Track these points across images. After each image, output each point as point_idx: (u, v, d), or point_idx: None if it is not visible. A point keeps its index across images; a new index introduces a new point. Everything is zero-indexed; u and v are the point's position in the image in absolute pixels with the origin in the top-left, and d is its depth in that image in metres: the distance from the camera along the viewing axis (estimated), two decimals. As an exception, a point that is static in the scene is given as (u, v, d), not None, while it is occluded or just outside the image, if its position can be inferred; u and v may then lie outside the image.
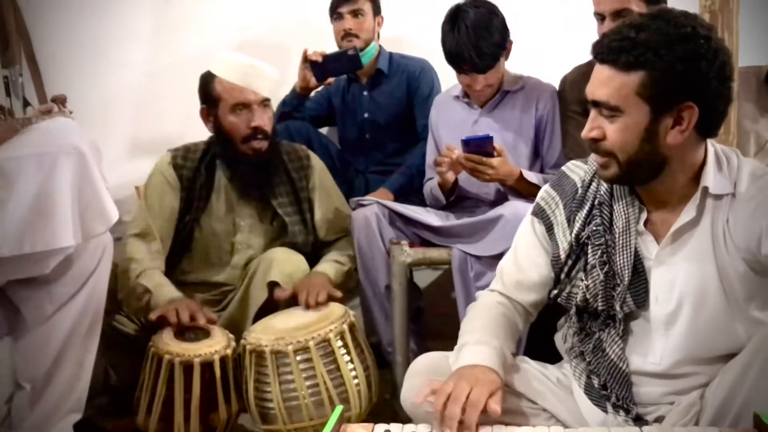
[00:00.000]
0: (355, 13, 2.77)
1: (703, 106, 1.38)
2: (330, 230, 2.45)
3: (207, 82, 2.33)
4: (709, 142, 1.48)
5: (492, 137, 2.23)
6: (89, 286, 1.81)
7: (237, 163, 2.33)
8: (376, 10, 2.84)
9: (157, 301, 2.16)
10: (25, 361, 1.80)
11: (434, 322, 2.71)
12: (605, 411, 1.51)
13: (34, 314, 1.77)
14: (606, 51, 1.39)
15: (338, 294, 2.18)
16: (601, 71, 1.41)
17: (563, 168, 1.67)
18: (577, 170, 1.63)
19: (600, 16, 2.23)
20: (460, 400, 1.38)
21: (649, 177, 1.45)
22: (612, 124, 1.41)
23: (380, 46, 2.87)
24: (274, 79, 2.34)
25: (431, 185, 2.50)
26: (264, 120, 2.30)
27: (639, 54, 1.36)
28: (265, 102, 2.32)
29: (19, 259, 1.61)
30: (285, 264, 2.21)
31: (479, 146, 2.23)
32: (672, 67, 1.35)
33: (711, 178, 1.44)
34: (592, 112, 1.45)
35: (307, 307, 2.11)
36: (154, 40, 3.06)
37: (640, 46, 1.36)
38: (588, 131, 1.45)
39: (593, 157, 1.52)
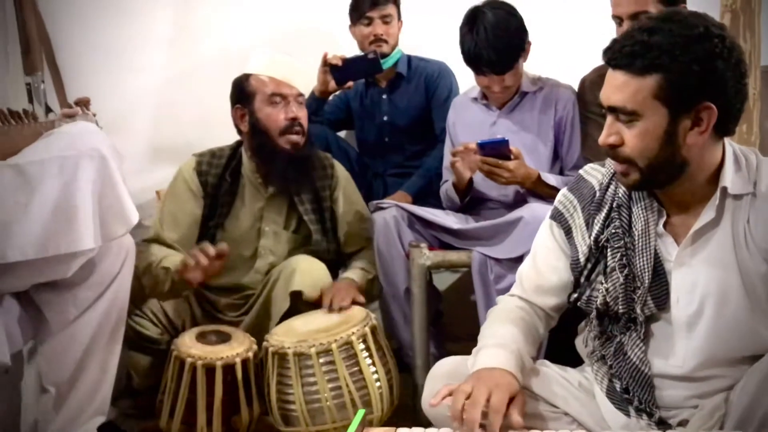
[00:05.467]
0: (385, 18, 2.78)
1: (720, 106, 1.37)
2: (352, 239, 2.45)
3: (241, 81, 2.36)
4: (727, 141, 1.47)
5: (507, 140, 2.23)
6: (112, 290, 1.84)
7: (274, 158, 2.33)
8: (399, 15, 2.85)
9: (174, 273, 2.16)
10: (50, 365, 1.83)
11: (453, 324, 2.71)
12: (628, 415, 1.50)
13: (58, 318, 1.79)
14: (619, 56, 1.38)
15: (362, 299, 2.19)
16: (614, 77, 1.40)
17: (581, 171, 1.66)
18: (594, 173, 1.62)
19: (618, 19, 2.22)
20: (479, 404, 1.38)
21: (669, 180, 1.44)
22: (630, 129, 1.40)
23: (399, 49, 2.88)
24: (307, 74, 2.39)
25: (447, 187, 2.49)
26: (301, 113, 2.34)
27: (654, 57, 1.35)
28: (299, 97, 2.35)
29: (42, 262, 1.63)
30: (307, 273, 2.20)
31: (495, 149, 2.22)
32: (689, 69, 1.34)
33: (729, 178, 1.43)
34: (609, 118, 1.43)
35: (330, 310, 2.13)
36: (173, 46, 3.07)
37: (655, 49, 1.35)
38: (605, 137, 1.43)
39: (612, 164, 1.51)
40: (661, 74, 1.35)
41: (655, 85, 1.36)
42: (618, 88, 1.39)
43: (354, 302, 2.17)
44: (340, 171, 2.49)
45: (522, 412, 1.41)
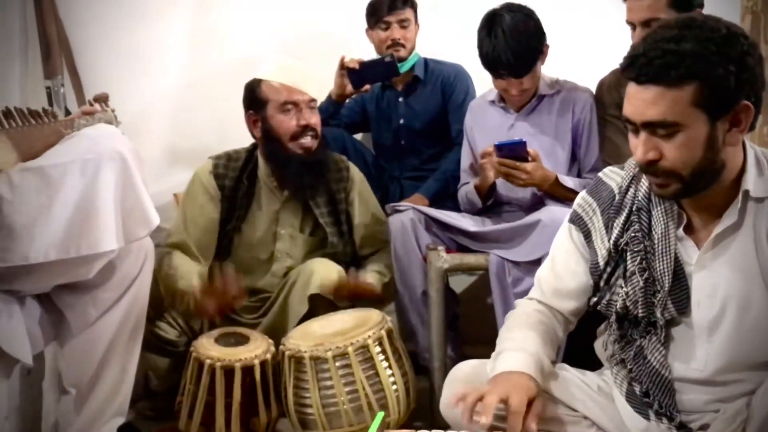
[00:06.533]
0: (402, 23, 2.78)
1: (754, 102, 1.36)
2: (367, 241, 2.45)
3: (253, 87, 2.37)
4: (748, 144, 1.46)
5: (525, 142, 2.22)
6: (132, 292, 1.85)
7: (287, 163, 2.34)
8: (416, 19, 2.85)
9: (196, 300, 2.18)
10: (70, 366, 1.84)
11: (470, 327, 2.70)
12: (648, 419, 1.49)
13: (78, 320, 1.80)
14: (649, 70, 1.34)
15: (378, 291, 2.24)
16: (643, 91, 1.36)
17: (600, 174, 1.65)
18: (614, 176, 1.61)
19: (632, 25, 2.23)
20: (491, 408, 1.38)
21: (707, 185, 1.41)
22: (669, 142, 1.37)
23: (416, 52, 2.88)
24: (319, 79, 2.38)
25: (467, 189, 2.49)
26: (313, 119, 2.34)
27: (689, 65, 1.32)
28: (312, 103, 2.35)
29: (63, 264, 1.64)
30: (326, 276, 2.20)
31: (512, 151, 2.22)
32: (726, 71, 1.32)
33: (752, 181, 1.42)
34: (643, 134, 1.39)
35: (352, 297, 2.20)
36: (191, 50, 3.09)
37: (688, 57, 1.32)
38: (644, 155, 1.39)
39: (647, 178, 1.48)
40: (699, 81, 1.33)
41: (693, 93, 1.33)
42: (652, 103, 1.35)
43: (372, 294, 2.19)
44: (355, 173, 2.49)
45: (538, 419, 1.42)
